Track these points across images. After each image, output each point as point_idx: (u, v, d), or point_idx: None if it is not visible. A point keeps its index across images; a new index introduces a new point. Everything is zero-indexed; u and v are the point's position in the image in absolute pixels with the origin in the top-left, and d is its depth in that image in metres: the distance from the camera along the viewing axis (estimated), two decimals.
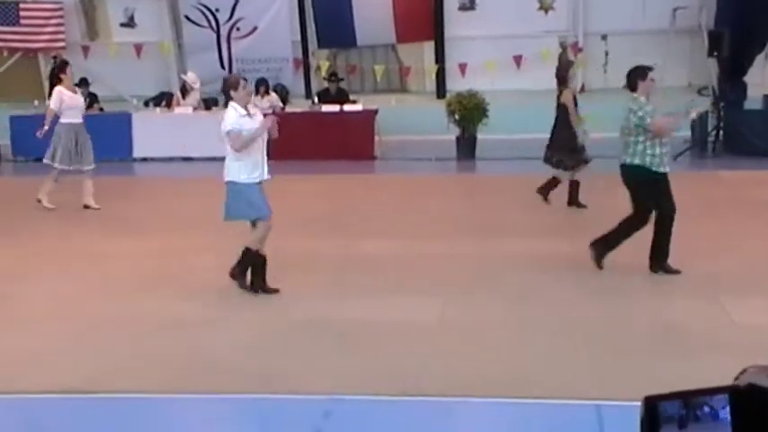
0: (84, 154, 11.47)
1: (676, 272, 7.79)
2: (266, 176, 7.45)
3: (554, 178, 10.86)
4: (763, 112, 15.82)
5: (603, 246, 7.88)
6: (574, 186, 10.86)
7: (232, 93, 7.41)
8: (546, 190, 10.84)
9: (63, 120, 11.36)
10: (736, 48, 15.13)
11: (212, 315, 7.16)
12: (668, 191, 7.76)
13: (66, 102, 11.36)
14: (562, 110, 10.72)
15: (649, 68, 7.90)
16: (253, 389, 5.59)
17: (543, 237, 9.53)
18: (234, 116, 7.31)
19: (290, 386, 5.61)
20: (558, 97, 10.76)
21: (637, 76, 7.78)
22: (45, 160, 11.44)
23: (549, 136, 10.94)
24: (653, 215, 7.73)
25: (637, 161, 7.67)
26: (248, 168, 7.34)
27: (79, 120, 11.49)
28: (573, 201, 10.90)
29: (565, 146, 10.65)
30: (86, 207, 11.45)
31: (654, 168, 7.65)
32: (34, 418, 5.52)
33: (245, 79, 7.90)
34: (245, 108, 7.42)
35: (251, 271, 7.57)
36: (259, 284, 7.55)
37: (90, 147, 11.53)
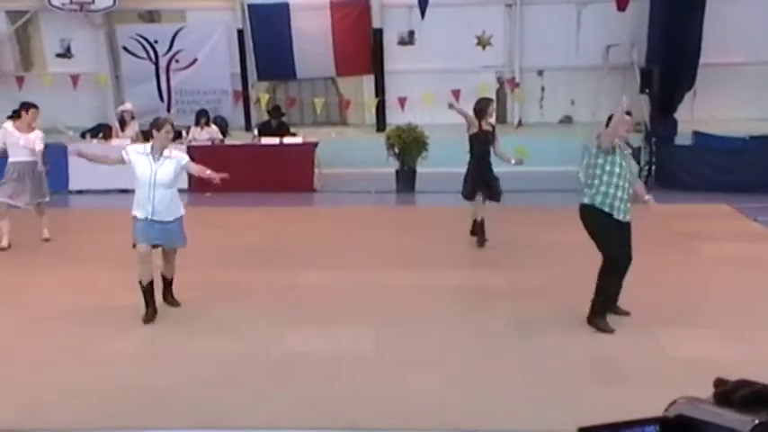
0: (37, 188, 11.15)
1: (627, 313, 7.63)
2: (150, 217, 7.78)
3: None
4: (691, 148, 16.25)
5: (601, 310, 7.37)
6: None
7: (154, 132, 7.92)
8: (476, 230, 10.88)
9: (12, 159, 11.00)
10: (666, 85, 15.59)
11: (147, 349, 7.10)
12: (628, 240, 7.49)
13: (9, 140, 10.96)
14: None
15: (627, 113, 7.35)
16: (187, 423, 5.52)
17: (480, 269, 9.63)
18: (134, 148, 8.07)
19: (224, 420, 5.56)
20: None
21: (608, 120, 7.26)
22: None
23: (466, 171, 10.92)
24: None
25: (597, 203, 7.32)
26: (134, 203, 7.88)
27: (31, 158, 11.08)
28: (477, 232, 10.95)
29: (481, 180, 10.70)
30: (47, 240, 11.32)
31: (613, 213, 7.36)
32: None
33: (173, 124, 8.27)
34: (160, 150, 7.80)
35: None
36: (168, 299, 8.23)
37: (44, 180, 11.23)
